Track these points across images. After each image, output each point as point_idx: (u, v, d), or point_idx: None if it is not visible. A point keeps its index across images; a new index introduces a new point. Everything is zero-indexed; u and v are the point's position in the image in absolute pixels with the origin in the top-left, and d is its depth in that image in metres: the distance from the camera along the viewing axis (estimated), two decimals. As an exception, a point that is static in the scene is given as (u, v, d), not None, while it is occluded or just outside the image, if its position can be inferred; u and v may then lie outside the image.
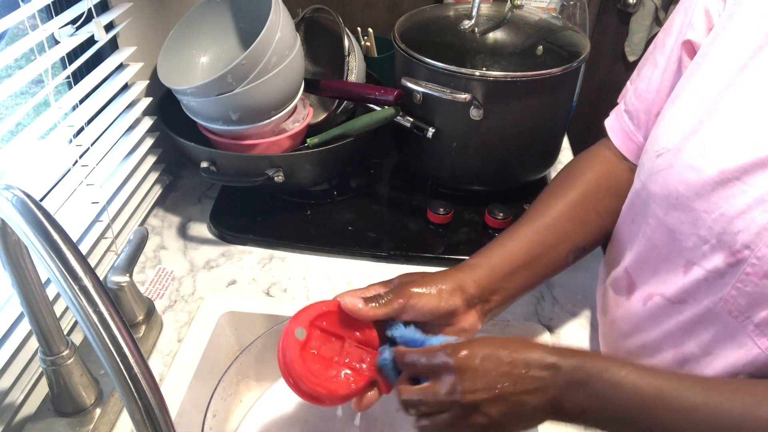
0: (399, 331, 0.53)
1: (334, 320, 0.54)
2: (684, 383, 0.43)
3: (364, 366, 0.54)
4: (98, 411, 0.58)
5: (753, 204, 0.43)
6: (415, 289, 0.54)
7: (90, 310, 0.35)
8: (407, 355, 0.50)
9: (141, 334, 0.66)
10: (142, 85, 0.83)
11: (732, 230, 0.44)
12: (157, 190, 0.89)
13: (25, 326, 0.60)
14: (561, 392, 0.45)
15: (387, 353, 0.53)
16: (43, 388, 0.60)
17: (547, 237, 0.61)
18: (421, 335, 0.53)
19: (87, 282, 0.36)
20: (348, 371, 0.53)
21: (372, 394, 0.54)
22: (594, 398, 0.44)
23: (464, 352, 0.47)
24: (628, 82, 0.65)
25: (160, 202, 0.90)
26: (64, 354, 0.53)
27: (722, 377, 0.47)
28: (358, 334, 0.54)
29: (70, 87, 0.70)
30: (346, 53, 0.90)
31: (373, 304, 0.53)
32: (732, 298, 0.45)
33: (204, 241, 0.84)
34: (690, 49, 0.56)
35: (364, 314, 0.52)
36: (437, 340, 0.51)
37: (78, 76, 0.74)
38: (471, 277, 0.57)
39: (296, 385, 0.52)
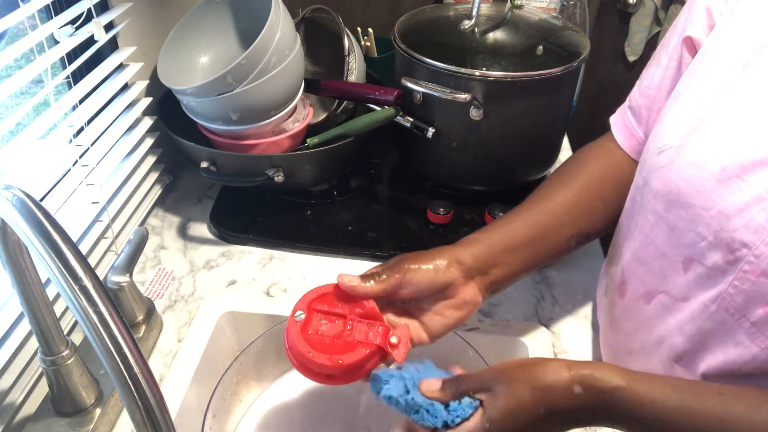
0: (388, 380, 0.51)
1: (334, 300, 0.54)
2: (704, 393, 0.44)
3: (370, 336, 0.53)
4: (98, 411, 0.58)
5: (751, 202, 0.43)
6: (411, 265, 0.54)
7: (90, 310, 0.35)
8: None
9: (141, 334, 0.66)
10: (142, 85, 0.83)
11: (730, 228, 0.44)
12: (157, 190, 0.89)
13: (25, 326, 0.60)
14: (587, 420, 0.46)
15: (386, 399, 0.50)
16: (43, 388, 0.60)
17: (550, 219, 0.62)
18: (420, 398, 0.49)
19: (87, 282, 0.36)
20: (356, 344, 0.53)
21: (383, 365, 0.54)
22: (618, 422, 0.45)
23: (496, 413, 0.46)
24: (638, 80, 0.65)
25: (160, 202, 0.90)
26: (64, 354, 0.53)
27: (740, 386, 0.47)
28: (359, 310, 0.54)
29: (70, 87, 0.70)
30: (346, 53, 0.90)
31: (370, 282, 0.53)
32: (729, 295, 0.45)
33: (204, 241, 0.84)
34: (690, 45, 0.56)
35: (362, 291, 0.53)
36: (445, 413, 0.48)
37: (78, 76, 0.74)
38: (468, 250, 0.57)
39: (303, 366, 0.52)
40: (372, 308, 0.54)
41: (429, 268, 0.54)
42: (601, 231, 0.65)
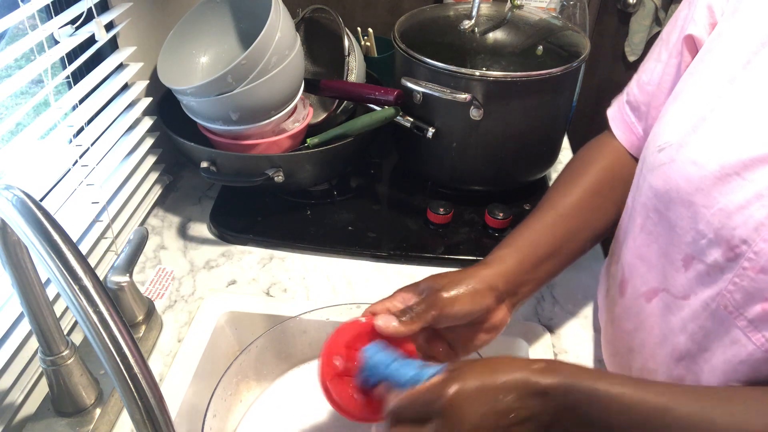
0: (372, 356, 0.51)
1: (369, 340, 0.53)
2: (678, 396, 0.43)
3: None
4: (98, 411, 0.58)
5: (752, 199, 0.43)
6: (446, 294, 0.53)
7: (90, 310, 0.35)
8: (390, 401, 0.48)
9: (141, 334, 0.66)
10: (142, 85, 0.83)
11: (730, 225, 0.44)
12: (157, 190, 0.89)
13: (25, 326, 0.60)
14: (552, 418, 0.44)
15: (367, 373, 0.51)
16: (43, 388, 0.60)
17: (570, 225, 0.62)
18: (396, 363, 0.49)
19: (87, 282, 0.36)
20: None
21: None
22: (586, 421, 0.44)
23: (452, 392, 0.44)
24: (635, 74, 0.65)
25: (160, 202, 0.90)
26: (64, 354, 0.53)
27: (716, 386, 0.47)
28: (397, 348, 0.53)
29: (70, 87, 0.70)
30: (346, 53, 0.90)
31: (407, 318, 0.52)
32: (729, 293, 0.45)
33: (204, 241, 0.84)
34: (691, 43, 0.56)
35: (402, 333, 0.51)
36: (415, 370, 0.48)
37: (78, 76, 0.74)
38: (499, 272, 0.57)
39: (344, 411, 0.51)
40: (408, 347, 0.53)
41: (465, 298, 0.53)
42: (610, 229, 0.65)
